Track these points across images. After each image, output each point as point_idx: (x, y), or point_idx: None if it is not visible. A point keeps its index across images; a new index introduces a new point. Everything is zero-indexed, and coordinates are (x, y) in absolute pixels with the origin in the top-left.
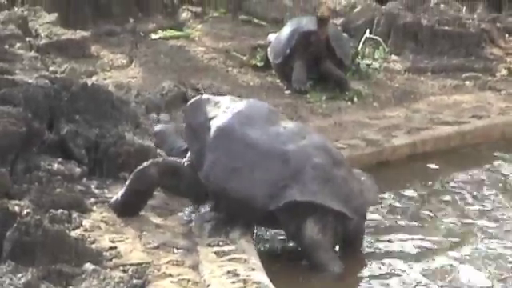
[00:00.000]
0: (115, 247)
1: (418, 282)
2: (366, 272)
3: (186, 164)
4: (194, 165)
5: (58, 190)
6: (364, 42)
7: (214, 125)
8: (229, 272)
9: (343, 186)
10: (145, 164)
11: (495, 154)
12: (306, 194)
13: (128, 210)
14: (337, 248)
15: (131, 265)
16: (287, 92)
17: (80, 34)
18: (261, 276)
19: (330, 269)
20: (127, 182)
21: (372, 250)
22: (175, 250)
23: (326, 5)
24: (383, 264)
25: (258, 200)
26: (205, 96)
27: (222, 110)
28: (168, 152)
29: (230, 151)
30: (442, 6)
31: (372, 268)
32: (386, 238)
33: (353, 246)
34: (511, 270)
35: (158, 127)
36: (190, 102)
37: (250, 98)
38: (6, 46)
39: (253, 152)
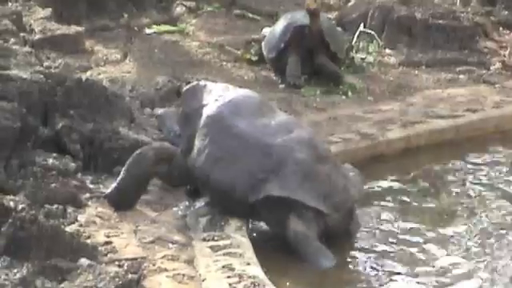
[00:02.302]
0: (110, 242)
1: (411, 277)
2: (358, 265)
3: (180, 151)
4: (184, 151)
5: (53, 185)
6: (358, 36)
7: (205, 112)
8: (224, 267)
9: (325, 182)
10: (143, 148)
11: (490, 147)
12: (285, 188)
13: (124, 200)
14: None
15: (126, 260)
16: (281, 86)
17: (74, 29)
18: (256, 270)
19: (320, 261)
20: (124, 167)
21: (364, 243)
22: (170, 245)
23: None
24: (376, 258)
25: (238, 191)
26: (202, 82)
27: (215, 98)
28: (167, 135)
29: (216, 140)
30: None
31: (364, 261)
32: (380, 231)
33: (340, 240)
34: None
35: (160, 111)
36: (187, 87)
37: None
38: (1, 42)
39: (238, 142)
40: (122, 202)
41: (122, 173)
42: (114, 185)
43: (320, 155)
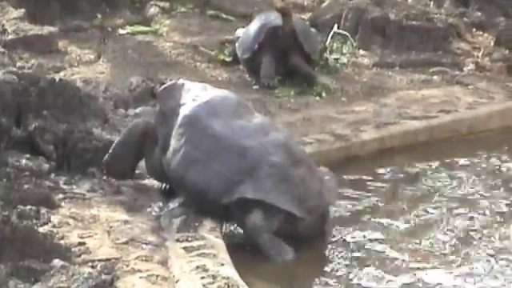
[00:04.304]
0: (84, 243)
1: (380, 277)
2: (331, 266)
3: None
4: (160, 150)
5: (26, 185)
6: (332, 37)
7: (182, 112)
8: (198, 267)
9: (299, 185)
10: (137, 120)
11: (463, 148)
12: (258, 191)
13: (119, 165)
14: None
15: (100, 260)
16: (255, 87)
17: (47, 29)
18: (230, 271)
19: (277, 254)
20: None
21: (337, 243)
22: (144, 246)
23: None
24: (348, 258)
25: (212, 193)
26: (180, 81)
27: (192, 98)
28: None
29: (192, 141)
30: (409, 0)
31: (336, 261)
32: (352, 232)
33: (313, 239)
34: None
35: (137, 109)
36: (164, 85)
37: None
38: None
39: (213, 144)
40: (117, 167)
41: (116, 140)
42: (109, 151)
43: (295, 158)
